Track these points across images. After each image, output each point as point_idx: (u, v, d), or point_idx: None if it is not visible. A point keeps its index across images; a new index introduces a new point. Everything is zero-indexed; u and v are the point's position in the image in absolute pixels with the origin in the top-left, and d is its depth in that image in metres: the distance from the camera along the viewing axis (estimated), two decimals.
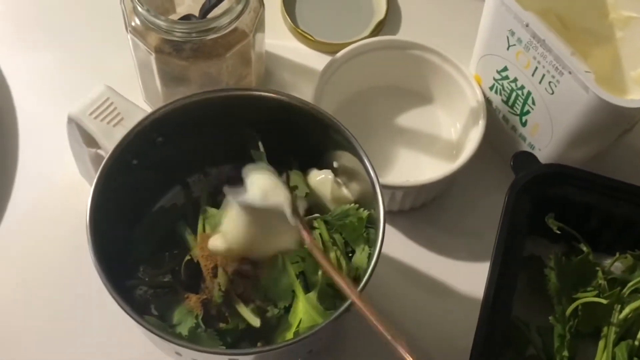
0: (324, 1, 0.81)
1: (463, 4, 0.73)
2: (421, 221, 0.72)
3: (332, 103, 0.73)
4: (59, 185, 0.71)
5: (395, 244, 0.71)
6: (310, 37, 0.78)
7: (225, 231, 0.58)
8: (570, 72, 0.61)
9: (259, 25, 0.67)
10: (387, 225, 0.70)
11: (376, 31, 0.79)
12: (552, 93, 0.65)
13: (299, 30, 0.78)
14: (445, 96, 0.74)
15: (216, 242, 0.58)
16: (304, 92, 0.74)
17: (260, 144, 0.61)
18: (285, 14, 0.79)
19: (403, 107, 0.75)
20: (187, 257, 0.60)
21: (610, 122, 0.65)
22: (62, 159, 0.70)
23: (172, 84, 0.67)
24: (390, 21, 0.80)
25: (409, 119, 0.75)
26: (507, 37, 0.66)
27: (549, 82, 0.64)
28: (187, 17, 0.69)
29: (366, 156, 0.57)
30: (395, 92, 0.76)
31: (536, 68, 0.65)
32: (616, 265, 0.67)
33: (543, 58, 0.63)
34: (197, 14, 0.67)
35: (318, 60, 0.77)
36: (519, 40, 0.65)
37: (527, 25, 0.63)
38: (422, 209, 0.72)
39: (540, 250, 0.68)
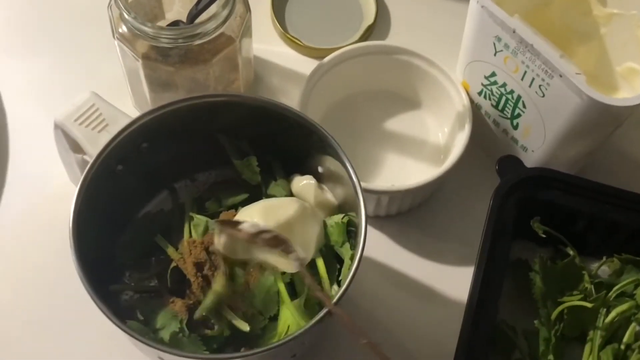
0: (313, 7, 0.81)
1: (452, 8, 0.73)
2: (409, 226, 0.72)
3: (319, 108, 0.74)
4: (49, 190, 0.71)
5: (382, 248, 0.71)
6: (299, 42, 0.78)
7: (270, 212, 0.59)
8: (560, 76, 0.61)
9: (245, 30, 0.67)
10: (374, 231, 0.72)
11: (365, 36, 0.79)
12: (543, 96, 0.64)
13: (288, 36, 0.79)
14: (432, 100, 0.74)
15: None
16: (293, 97, 0.74)
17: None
18: (275, 19, 0.79)
19: (391, 112, 0.76)
20: (173, 265, 0.60)
21: (604, 121, 0.64)
22: (51, 164, 0.70)
23: (159, 89, 0.68)
24: (379, 26, 0.81)
25: (397, 123, 0.75)
26: (494, 44, 0.65)
27: (539, 86, 0.64)
28: (175, 23, 0.70)
29: (349, 162, 0.57)
30: (383, 97, 0.76)
31: (525, 72, 0.64)
32: (603, 269, 0.67)
33: (532, 62, 0.63)
34: (185, 19, 0.68)
35: (307, 66, 0.77)
36: (506, 46, 0.64)
37: (514, 32, 0.62)
38: (409, 213, 0.72)
39: (527, 254, 0.68)
